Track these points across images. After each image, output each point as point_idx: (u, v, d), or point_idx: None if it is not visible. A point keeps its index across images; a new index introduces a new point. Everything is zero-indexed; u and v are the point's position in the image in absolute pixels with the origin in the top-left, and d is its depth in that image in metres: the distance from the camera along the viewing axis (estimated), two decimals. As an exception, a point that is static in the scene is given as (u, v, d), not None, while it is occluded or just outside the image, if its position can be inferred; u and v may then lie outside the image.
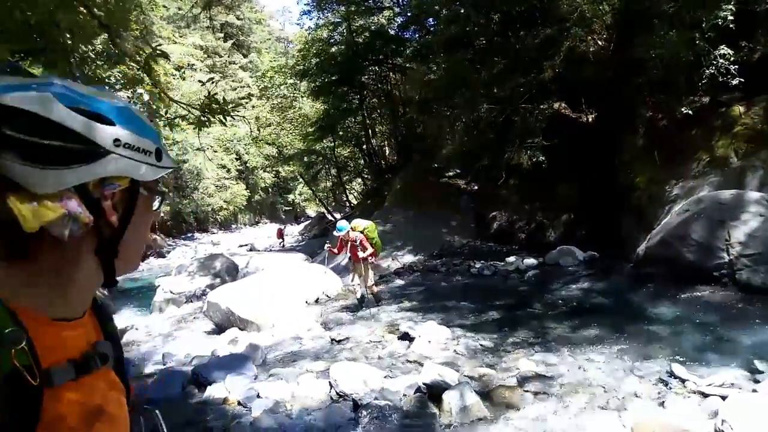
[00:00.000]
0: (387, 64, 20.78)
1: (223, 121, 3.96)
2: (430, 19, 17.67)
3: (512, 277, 9.68)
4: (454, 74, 13.43)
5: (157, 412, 0.93)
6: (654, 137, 9.74)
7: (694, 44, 8.37)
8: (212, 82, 4.76)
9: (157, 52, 3.71)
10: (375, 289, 8.13)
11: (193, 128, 4.27)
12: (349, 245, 7.62)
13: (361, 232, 7.56)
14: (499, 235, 12.66)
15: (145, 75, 4.33)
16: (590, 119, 11.95)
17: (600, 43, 11.82)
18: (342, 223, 7.75)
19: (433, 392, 4.37)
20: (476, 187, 15.09)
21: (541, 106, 11.88)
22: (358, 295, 8.05)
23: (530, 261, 10.19)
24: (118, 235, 0.72)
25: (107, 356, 0.74)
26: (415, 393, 4.45)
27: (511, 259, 10.51)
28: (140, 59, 3.93)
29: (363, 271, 7.79)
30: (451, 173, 16.62)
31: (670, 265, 7.32)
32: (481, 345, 5.76)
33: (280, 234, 24.09)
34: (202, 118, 3.92)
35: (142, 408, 0.90)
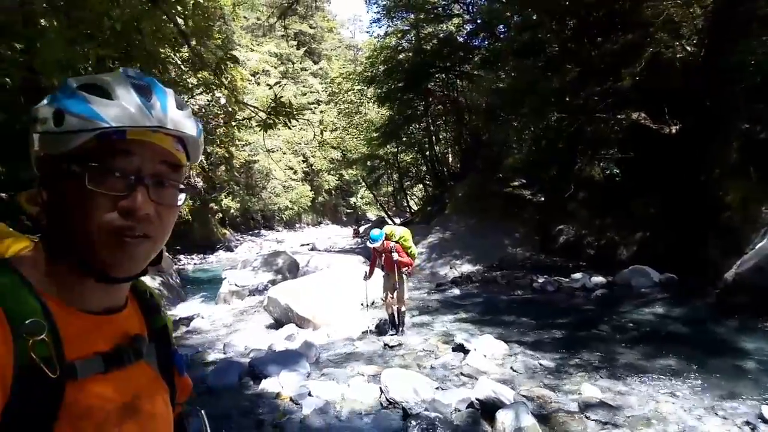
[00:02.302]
0: (454, 71, 20.58)
1: (288, 124, 4.02)
2: (501, 26, 17.33)
3: (577, 295, 9.18)
4: (523, 82, 13.06)
5: (203, 412, 0.90)
6: (750, 151, 8.89)
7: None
8: (280, 86, 4.86)
9: (228, 56, 3.84)
10: (404, 308, 7.14)
11: (259, 129, 4.36)
12: (383, 256, 6.83)
13: (396, 241, 6.76)
14: (565, 249, 12.06)
15: (222, 80, 4.48)
16: (674, 131, 11.14)
17: (689, 48, 11.00)
18: (376, 232, 6.86)
19: (487, 409, 4.19)
20: (542, 199, 14.54)
21: (618, 116, 11.23)
22: (391, 312, 7.12)
23: (598, 279, 9.63)
24: (48, 224, 0.66)
25: (141, 351, 0.71)
26: (467, 408, 4.29)
27: (577, 275, 9.98)
28: (212, 64, 4.08)
29: (397, 285, 6.80)
30: (515, 183, 16.13)
31: (764, 294, 6.62)
32: (540, 364, 5.46)
33: (356, 232, 27.04)
34: (268, 120, 4.00)
35: (190, 407, 0.88)
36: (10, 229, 0.67)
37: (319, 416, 4.34)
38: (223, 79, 4.45)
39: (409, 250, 6.84)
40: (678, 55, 10.88)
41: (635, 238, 10.82)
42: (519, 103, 13.15)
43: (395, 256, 6.62)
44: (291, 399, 4.76)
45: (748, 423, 3.82)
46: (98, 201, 0.62)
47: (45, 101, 0.65)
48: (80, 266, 0.64)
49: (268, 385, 5.09)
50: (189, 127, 0.70)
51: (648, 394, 4.49)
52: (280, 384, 5.07)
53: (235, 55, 4.04)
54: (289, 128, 4.40)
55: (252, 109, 4.77)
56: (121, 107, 0.63)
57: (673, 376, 4.90)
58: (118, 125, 0.62)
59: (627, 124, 11.22)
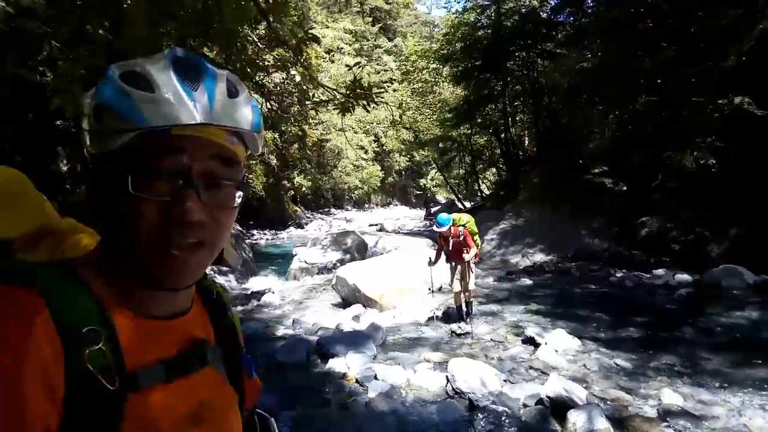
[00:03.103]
0: (535, 49, 19.63)
1: (367, 107, 3.98)
2: (589, 1, 16.26)
3: (659, 292, 8.60)
4: (610, 61, 12.21)
5: (272, 420, 0.85)
6: None
7: None
8: (359, 67, 4.82)
9: (309, 35, 3.81)
10: (471, 297, 6.90)
11: (337, 112, 4.35)
12: (450, 243, 6.52)
13: (463, 226, 6.44)
14: (647, 243, 11.28)
15: (298, 58, 4.47)
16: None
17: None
18: (444, 216, 6.57)
19: (557, 408, 4.07)
20: (624, 188, 13.66)
21: (719, 101, 10.22)
22: (459, 300, 6.87)
23: (683, 277, 8.99)
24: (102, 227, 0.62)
25: (206, 357, 0.67)
26: (536, 404, 4.19)
27: (660, 272, 9.37)
28: (293, 43, 4.07)
29: (465, 274, 6.58)
30: (596, 170, 15.25)
31: None
32: (615, 364, 5.21)
33: (429, 213, 26.76)
34: (346, 103, 3.97)
35: (258, 413, 0.84)
36: (79, 224, 0.63)
37: (384, 400, 4.40)
38: (299, 58, 4.41)
39: (475, 237, 6.56)
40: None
41: (729, 235, 9.92)
42: (604, 84, 12.35)
43: (465, 254, 6.34)
44: (357, 380, 4.86)
45: None
46: (143, 207, 0.56)
47: (91, 92, 0.60)
48: (134, 274, 0.59)
49: (334, 364, 5.22)
50: (243, 119, 0.61)
51: (736, 407, 4.15)
52: (347, 365, 5.18)
53: (315, 34, 4.00)
54: (368, 111, 4.36)
55: (330, 90, 4.77)
56: (162, 101, 0.55)
57: (766, 388, 4.49)
58: (157, 124, 0.55)
59: (729, 110, 10.19)
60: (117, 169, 0.56)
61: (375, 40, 45.65)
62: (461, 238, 6.39)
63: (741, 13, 9.62)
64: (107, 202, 0.59)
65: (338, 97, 4.39)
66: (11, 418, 0.46)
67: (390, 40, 47.61)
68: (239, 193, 0.63)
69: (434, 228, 6.77)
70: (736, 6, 9.88)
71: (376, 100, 4.06)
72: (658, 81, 11.11)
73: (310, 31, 3.88)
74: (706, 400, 4.28)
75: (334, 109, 4.47)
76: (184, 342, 0.65)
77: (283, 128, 23.52)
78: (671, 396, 4.29)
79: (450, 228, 6.39)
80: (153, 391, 0.59)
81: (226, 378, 0.72)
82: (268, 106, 10.16)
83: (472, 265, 6.69)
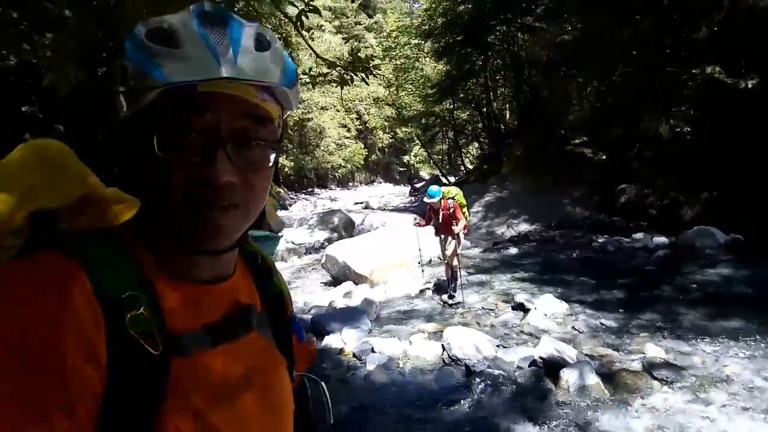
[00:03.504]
0: (516, 23, 19.61)
1: (366, 79, 3.99)
2: (568, -27, 16.22)
3: (639, 255, 8.96)
4: (589, 34, 12.32)
5: (323, 384, 0.82)
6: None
7: None
8: (357, 40, 4.82)
9: (311, 6, 3.71)
10: (459, 268, 6.97)
11: (336, 85, 4.34)
12: (441, 215, 6.57)
13: (453, 198, 6.52)
14: (626, 209, 11.65)
15: (299, 30, 4.28)
16: (750, 85, 10.30)
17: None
18: (434, 188, 6.63)
19: (550, 367, 4.28)
20: (603, 157, 13.96)
21: (693, 71, 10.46)
22: (449, 272, 6.93)
23: (660, 240, 9.34)
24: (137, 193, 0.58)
25: (251, 322, 0.65)
26: (529, 366, 4.38)
27: (639, 236, 9.72)
28: (293, 15, 3.92)
29: (453, 246, 6.67)
30: (576, 141, 15.49)
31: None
32: (602, 324, 5.48)
33: (414, 189, 26.69)
34: (345, 76, 3.95)
35: (308, 378, 0.82)
36: (123, 193, 0.59)
37: (383, 372, 4.50)
38: (299, 30, 4.24)
39: (464, 209, 6.67)
40: (761, 3, 9.90)
41: (701, 198, 10.31)
42: (583, 57, 12.48)
43: (454, 226, 6.45)
44: (354, 355, 4.92)
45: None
46: (172, 170, 0.54)
47: (123, 53, 0.57)
48: (171, 239, 0.58)
49: (331, 341, 5.28)
50: (272, 73, 0.58)
51: (713, 356, 4.44)
52: (343, 340, 5.23)
53: (315, 5, 3.90)
54: (367, 84, 4.36)
55: (329, 62, 4.69)
56: (185, 57, 0.53)
57: (739, 338, 4.79)
58: (182, 80, 0.52)
59: (701, 79, 10.44)
60: (143, 130, 0.54)
61: (355, 17, 44.90)
62: (451, 210, 6.45)
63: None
64: (137, 167, 0.57)
65: (337, 70, 4.32)
66: (56, 388, 0.45)
67: (370, 16, 46.85)
68: (273, 154, 0.60)
69: (425, 200, 6.84)
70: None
71: (375, 73, 4.07)
72: (634, 53, 11.27)
73: (311, 3, 3.75)
74: (686, 352, 4.56)
75: (332, 82, 4.45)
76: (229, 306, 0.63)
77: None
78: (654, 350, 4.56)
79: (440, 200, 6.44)
80: (198, 356, 0.57)
81: (273, 343, 0.70)
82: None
83: (461, 236, 6.80)
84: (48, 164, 0.54)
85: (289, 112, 0.65)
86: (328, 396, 0.81)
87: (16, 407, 0.42)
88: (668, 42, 10.48)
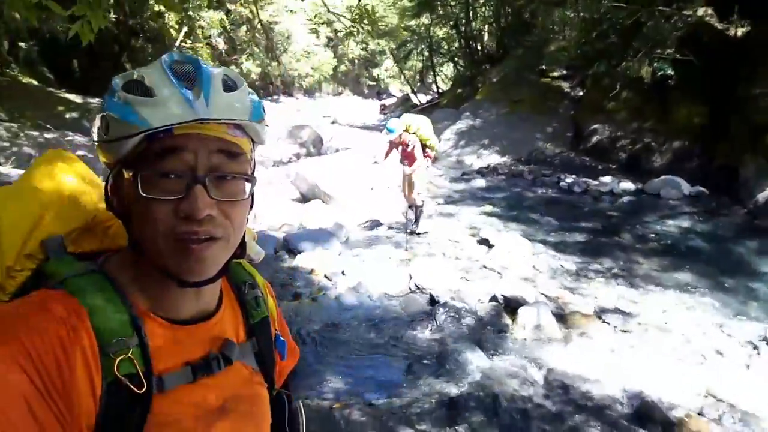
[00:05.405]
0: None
1: (371, 32, 3.90)
2: None
3: (604, 199, 9.23)
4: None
5: (300, 402, 0.90)
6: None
7: None
8: None
9: None
10: (421, 201, 6.72)
11: (343, 36, 4.27)
12: (400, 149, 6.35)
13: (414, 133, 6.21)
14: (597, 150, 11.77)
15: None
16: (739, 33, 10.21)
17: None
18: (392, 124, 6.25)
19: (509, 304, 4.51)
20: (581, 94, 13.88)
21: (683, 12, 10.23)
22: (413, 203, 6.69)
23: (627, 185, 9.59)
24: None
25: (230, 359, 0.69)
26: (490, 301, 4.59)
27: (606, 179, 9.93)
28: None
29: (414, 180, 6.45)
30: (555, 74, 15.25)
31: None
32: (561, 265, 5.72)
33: (383, 107, 26.82)
34: (352, 28, 3.88)
35: (287, 396, 0.86)
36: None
37: (352, 294, 4.70)
38: None
39: (427, 143, 6.39)
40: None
41: (672, 147, 10.51)
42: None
43: (416, 162, 6.22)
44: (325, 276, 5.10)
45: (751, 343, 4.04)
46: (156, 207, 0.59)
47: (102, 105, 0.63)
48: (158, 273, 0.63)
49: (302, 260, 5.43)
50: (240, 111, 0.63)
51: (661, 305, 4.73)
52: (314, 260, 5.38)
53: None
54: (373, 38, 4.29)
55: (336, 15, 4.55)
56: (160, 104, 0.58)
57: (689, 290, 5.12)
58: (159, 125, 0.57)
59: (691, 21, 10.25)
60: (129, 174, 0.61)
61: None
62: (410, 149, 6.22)
63: None
64: (127, 206, 0.63)
65: (344, 22, 4.27)
66: (65, 410, 0.54)
67: None
68: (248, 185, 0.65)
69: (383, 135, 6.58)
70: None
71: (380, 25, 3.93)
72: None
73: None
74: (636, 299, 4.85)
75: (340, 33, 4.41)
76: (210, 344, 0.69)
77: (230, 8, 21.53)
78: (607, 295, 4.86)
79: (400, 135, 6.19)
80: (178, 392, 0.63)
81: (256, 368, 0.76)
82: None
83: (425, 169, 6.58)
84: (65, 196, 0.65)
85: (259, 146, 0.70)
86: (303, 415, 0.88)
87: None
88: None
